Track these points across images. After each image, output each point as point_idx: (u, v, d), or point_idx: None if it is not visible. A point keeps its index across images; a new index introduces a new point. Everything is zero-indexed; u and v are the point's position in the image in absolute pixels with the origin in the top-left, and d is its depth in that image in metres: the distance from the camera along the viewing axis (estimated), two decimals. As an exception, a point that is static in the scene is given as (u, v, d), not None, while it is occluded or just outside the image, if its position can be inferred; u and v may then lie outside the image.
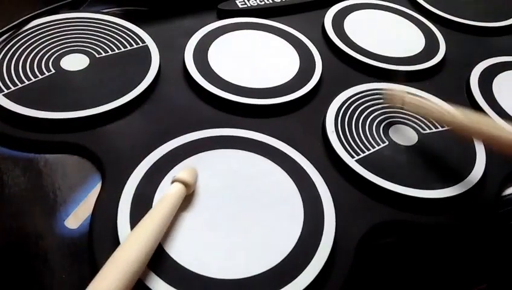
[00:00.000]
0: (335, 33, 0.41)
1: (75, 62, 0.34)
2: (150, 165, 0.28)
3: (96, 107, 0.31)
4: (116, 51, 0.35)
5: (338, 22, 0.42)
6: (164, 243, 0.24)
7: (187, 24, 0.40)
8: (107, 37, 0.36)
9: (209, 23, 0.39)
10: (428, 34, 0.43)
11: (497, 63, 0.40)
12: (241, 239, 0.25)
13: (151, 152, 0.28)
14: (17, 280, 0.24)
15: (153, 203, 0.26)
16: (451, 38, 0.43)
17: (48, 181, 0.28)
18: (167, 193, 0.25)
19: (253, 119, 0.32)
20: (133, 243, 0.22)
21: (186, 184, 0.26)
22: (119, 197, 0.26)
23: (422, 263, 0.30)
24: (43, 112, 0.30)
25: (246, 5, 0.42)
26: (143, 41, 0.36)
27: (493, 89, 0.37)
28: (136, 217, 0.25)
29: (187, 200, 0.26)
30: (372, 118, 0.33)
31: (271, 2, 0.43)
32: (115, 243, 0.24)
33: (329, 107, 0.33)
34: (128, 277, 0.21)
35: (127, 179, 0.27)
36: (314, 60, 0.38)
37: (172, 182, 0.26)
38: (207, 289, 0.23)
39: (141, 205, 0.26)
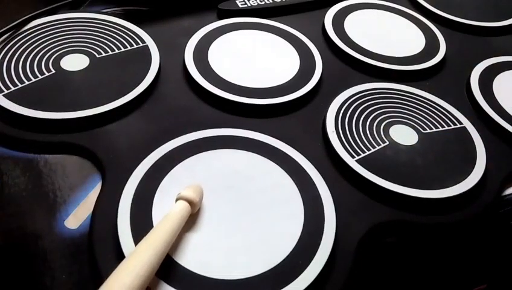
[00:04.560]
0: (335, 33, 0.41)
1: (75, 62, 0.34)
2: (150, 165, 0.28)
3: (96, 107, 0.31)
4: (116, 51, 0.35)
5: (338, 21, 0.42)
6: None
7: (187, 24, 0.40)
8: (107, 37, 0.36)
9: (209, 23, 0.39)
10: (429, 34, 0.43)
11: (497, 63, 0.40)
12: (242, 239, 0.25)
13: (151, 152, 0.28)
14: (17, 280, 0.24)
15: (153, 204, 0.26)
16: (451, 38, 0.43)
17: (48, 181, 0.28)
18: (171, 210, 0.24)
19: (253, 119, 0.32)
20: (132, 265, 0.21)
21: (191, 203, 0.25)
22: (120, 197, 0.26)
23: (422, 263, 0.30)
24: (43, 112, 0.30)
25: (246, 5, 0.42)
26: (143, 41, 0.36)
27: (493, 89, 0.37)
28: (136, 218, 0.25)
29: (190, 217, 0.25)
30: (372, 118, 0.33)
31: (271, 2, 0.43)
32: (115, 243, 0.24)
33: (330, 107, 0.33)
34: None
35: (127, 179, 0.27)
36: (314, 60, 0.38)
37: (177, 199, 0.25)
38: (207, 289, 0.23)
39: (141, 205, 0.26)
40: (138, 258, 0.21)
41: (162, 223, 0.23)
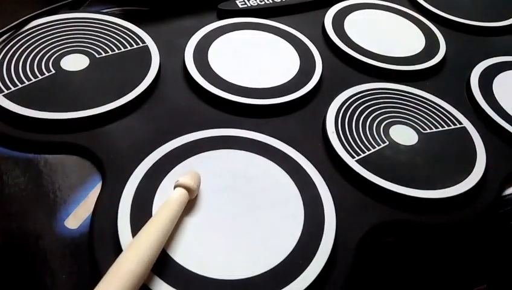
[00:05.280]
0: (335, 33, 0.41)
1: (75, 62, 0.34)
2: (150, 165, 0.28)
3: (96, 107, 0.31)
4: (116, 51, 0.35)
5: (338, 22, 0.42)
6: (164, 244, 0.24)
7: (187, 24, 0.40)
8: (107, 37, 0.36)
9: (209, 23, 0.39)
10: (429, 34, 0.43)
11: (497, 63, 0.40)
12: (242, 239, 0.25)
13: (151, 152, 0.28)
14: (17, 280, 0.24)
15: (153, 204, 0.26)
16: (451, 38, 0.43)
17: (48, 181, 0.28)
18: (169, 198, 0.25)
19: (253, 119, 0.32)
20: (134, 252, 0.21)
21: (189, 189, 0.25)
22: (120, 198, 0.26)
23: (422, 263, 0.30)
24: (43, 112, 0.30)
25: (246, 5, 0.42)
26: (143, 42, 0.36)
27: (493, 89, 0.37)
28: (136, 218, 0.25)
29: (189, 203, 0.26)
30: (372, 118, 0.33)
31: (271, 2, 0.43)
32: (115, 243, 0.24)
33: (330, 107, 0.33)
34: (129, 287, 0.20)
35: (128, 179, 0.27)
36: (314, 60, 0.38)
37: (175, 187, 0.25)
38: (207, 289, 0.23)
39: (141, 206, 0.26)
40: (141, 245, 0.22)
41: (161, 211, 0.24)
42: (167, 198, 0.25)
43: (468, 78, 0.38)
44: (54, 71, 0.33)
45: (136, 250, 0.22)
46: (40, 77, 0.32)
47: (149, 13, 0.41)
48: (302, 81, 0.35)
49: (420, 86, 0.37)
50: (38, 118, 0.30)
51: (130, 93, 0.32)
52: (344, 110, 0.33)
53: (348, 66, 0.39)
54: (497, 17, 0.46)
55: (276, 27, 0.40)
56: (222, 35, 0.39)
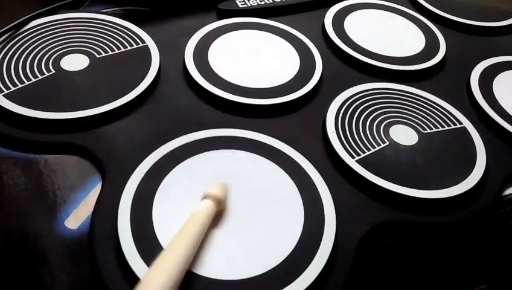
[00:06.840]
0: (335, 33, 0.41)
1: (75, 62, 0.34)
2: (151, 165, 0.28)
3: (96, 107, 0.31)
4: (116, 51, 0.35)
5: (338, 21, 0.42)
6: (164, 243, 0.24)
7: (187, 24, 0.40)
8: (107, 37, 0.36)
9: (209, 23, 0.39)
10: (429, 34, 0.43)
11: (497, 63, 0.40)
12: (242, 240, 0.25)
13: (151, 152, 0.28)
14: (17, 280, 0.24)
15: (153, 204, 0.26)
16: (451, 38, 0.43)
17: (47, 181, 0.28)
18: (197, 209, 0.24)
19: (253, 119, 0.32)
20: (163, 267, 0.21)
21: (217, 200, 0.25)
22: (120, 198, 0.26)
23: (422, 263, 0.30)
24: (43, 112, 0.30)
25: (246, 5, 0.42)
26: (143, 41, 0.36)
27: (493, 89, 0.37)
28: (136, 218, 0.25)
29: (216, 214, 0.26)
30: (372, 118, 0.33)
31: (271, 1, 0.43)
32: (115, 243, 0.24)
33: (330, 107, 0.33)
34: None
35: (128, 180, 0.27)
36: (314, 60, 0.38)
37: (203, 198, 0.25)
38: None
39: (141, 206, 0.26)
40: (170, 259, 0.22)
41: (189, 223, 0.24)
42: (195, 209, 0.24)
43: (468, 78, 0.38)
44: (54, 71, 0.33)
45: (164, 264, 0.21)
46: (40, 77, 0.32)
47: (149, 13, 0.41)
48: (302, 81, 0.35)
49: (420, 86, 0.37)
50: (38, 118, 0.30)
51: (130, 93, 0.32)
52: (344, 110, 0.33)
53: (348, 66, 0.39)
54: (497, 17, 0.46)
55: (276, 27, 0.40)
56: (222, 35, 0.39)
